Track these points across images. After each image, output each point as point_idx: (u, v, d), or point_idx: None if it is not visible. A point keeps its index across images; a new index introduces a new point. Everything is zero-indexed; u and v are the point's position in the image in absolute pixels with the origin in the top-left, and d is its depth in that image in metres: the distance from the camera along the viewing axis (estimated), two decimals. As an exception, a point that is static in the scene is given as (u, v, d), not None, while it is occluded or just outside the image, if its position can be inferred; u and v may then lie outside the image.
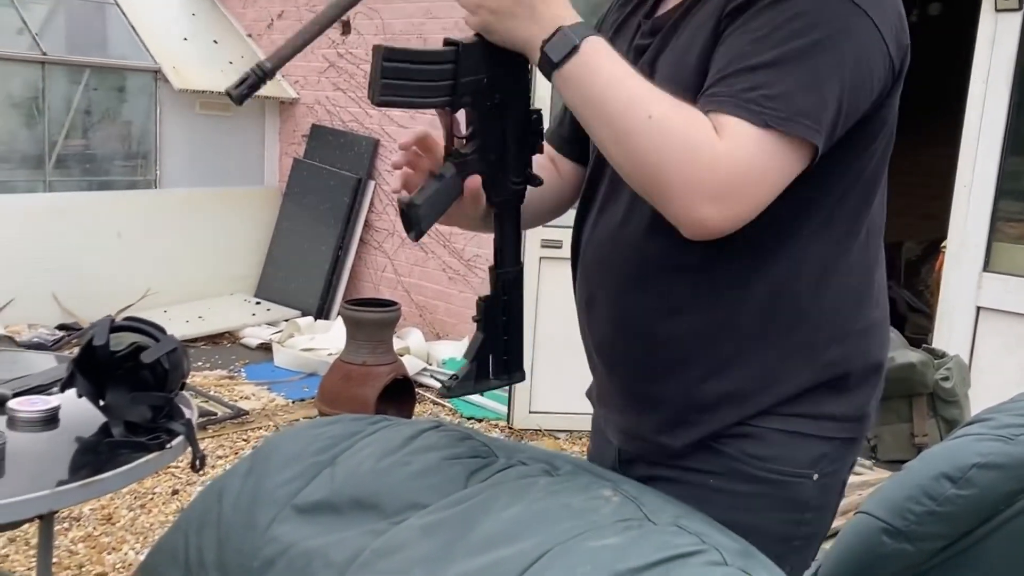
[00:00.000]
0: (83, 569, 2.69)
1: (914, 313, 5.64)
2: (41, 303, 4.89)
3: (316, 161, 5.66)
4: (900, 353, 2.48)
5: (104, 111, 5.51)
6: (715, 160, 0.92)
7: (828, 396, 1.11)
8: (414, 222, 1.04)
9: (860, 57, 0.98)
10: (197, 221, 5.53)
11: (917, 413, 2.48)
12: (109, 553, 2.79)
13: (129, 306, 4.92)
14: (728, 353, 1.09)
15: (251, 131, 6.01)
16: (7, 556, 2.68)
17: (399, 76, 1.01)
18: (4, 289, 4.75)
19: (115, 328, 1.51)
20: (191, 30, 5.91)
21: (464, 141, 1.08)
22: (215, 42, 5.95)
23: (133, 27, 5.55)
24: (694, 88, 1.01)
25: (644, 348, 1.14)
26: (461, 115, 1.09)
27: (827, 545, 2.07)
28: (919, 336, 4.74)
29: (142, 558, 2.71)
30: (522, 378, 1.19)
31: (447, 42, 1.05)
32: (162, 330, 1.52)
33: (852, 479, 2.48)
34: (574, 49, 0.98)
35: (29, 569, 2.57)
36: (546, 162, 1.29)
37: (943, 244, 3.37)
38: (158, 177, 5.64)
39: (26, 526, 2.76)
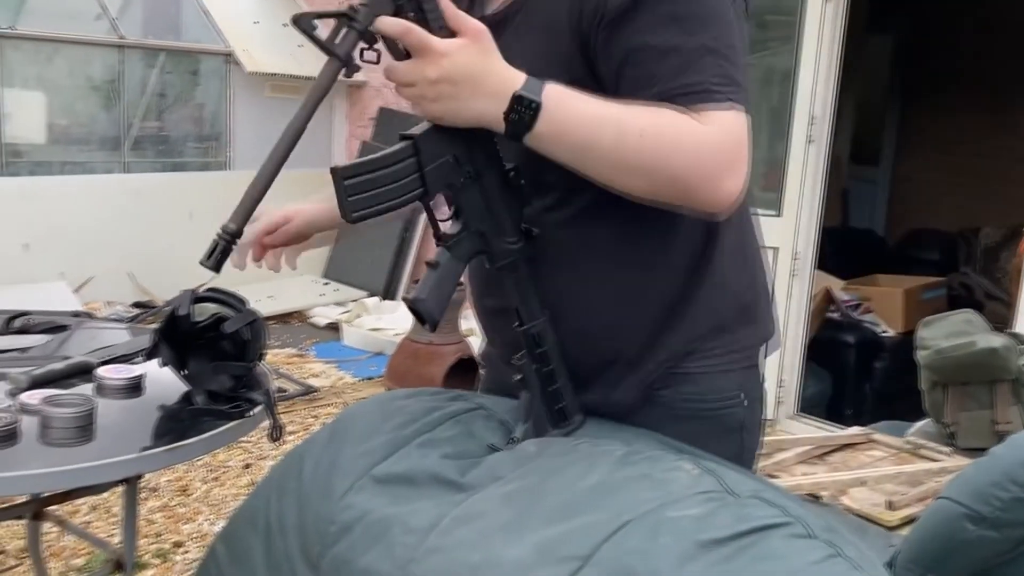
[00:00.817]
0: (160, 537, 2.77)
1: (991, 301, 5.47)
2: (118, 281, 5.03)
3: (383, 144, 5.68)
4: (982, 337, 2.41)
5: (178, 94, 5.63)
6: (716, 142, 0.99)
7: (740, 327, 1.20)
8: (425, 316, 1.06)
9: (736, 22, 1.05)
10: (267, 202, 5.60)
11: (1000, 400, 2.40)
12: (185, 523, 2.87)
13: (201, 285, 5.02)
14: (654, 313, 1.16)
15: (320, 114, 5.97)
16: (89, 523, 2.77)
17: (364, 189, 1.02)
18: (84, 268, 4.90)
19: (197, 299, 1.54)
20: (262, 13, 5.99)
21: (449, 223, 1.09)
22: (285, 25, 6.01)
23: (206, 11, 5.65)
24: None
25: (579, 324, 1.17)
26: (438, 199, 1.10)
27: (905, 531, 2.04)
28: (997, 324, 4.61)
29: (216, 528, 2.79)
30: (582, 421, 1.17)
31: (402, 137, 1.04)
32: (243, 301, 1.54)
33: (929, 466, 2.42)
34: (538, 109, 0.97)
35: (110, 536, 2.65)
36: None
37: (1025, 227, 3.27)
38: (230, 159, 5.74)
39: (107, 495, 2.85)
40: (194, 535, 2.80)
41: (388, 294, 5.50)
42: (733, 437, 1.19)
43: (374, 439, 1.21)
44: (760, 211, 3.72)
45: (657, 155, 0.98)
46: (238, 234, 0.98)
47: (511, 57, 1.04)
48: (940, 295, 5.07)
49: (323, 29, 1.03)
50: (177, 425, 1.47)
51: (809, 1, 3.75)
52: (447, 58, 0.98)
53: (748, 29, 1.09)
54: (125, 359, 1.69)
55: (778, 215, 3.89)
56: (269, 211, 1.39)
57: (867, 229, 6.43)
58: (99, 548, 2.18)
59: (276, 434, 1.53)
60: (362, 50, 1.00)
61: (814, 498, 2.16)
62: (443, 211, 1.12)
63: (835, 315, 4.66)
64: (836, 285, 4.80)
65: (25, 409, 1.42)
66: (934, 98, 6.30)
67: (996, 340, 2.41)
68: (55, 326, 1.89)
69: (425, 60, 0.98)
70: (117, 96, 5.27)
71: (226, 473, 3.23)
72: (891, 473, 2.32)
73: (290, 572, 1.17)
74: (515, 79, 0.99)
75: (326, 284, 5.74)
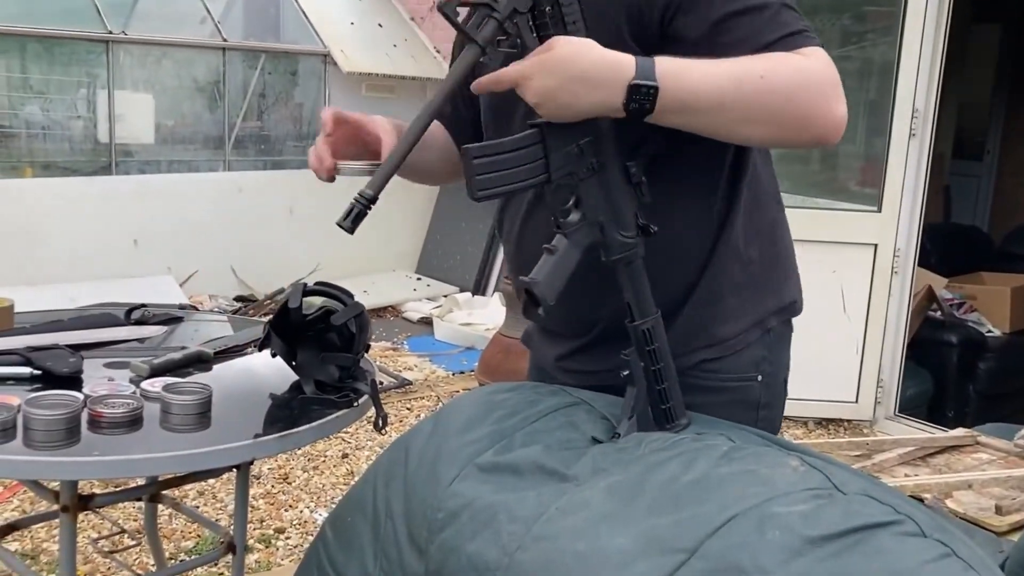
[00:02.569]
0: (263, 523, 2.87)
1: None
2: (220, 276, 5.21)
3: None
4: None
5: (278, 94, 5.79)
6: (823, 72, 1.06)
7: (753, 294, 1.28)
8: (539, 299, 1.07)
9: None
10: (313, 193, 5.73)
11: (1116, 402, 2.31)
12: (286, 510, 2.97)
13: (300, 280, 5.17)
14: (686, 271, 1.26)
15: (414, 112, 6.14)
16: (197, 507, 2.88)
17: (491, 170, 1.05)
18: (189, 262, 5.09)
19: (306, 292, 1.59)
20: (357, 14, 6.12)
21: (568, 211, 1.10)
22: (380, 25, 6.14)
23: (304, 12, 5.80)
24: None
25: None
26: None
27: (1015, 537, 1.98)
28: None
29: (316, 516, 2.88)
30: (687, 424, 1.19)
31: (531, 124, 1.08)
32: (350, 295, 1.59)
33: (1039, 470, 2.34)
34: (656, 91, 1.01)
35: (217, 520, 2.76)
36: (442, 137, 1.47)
37: None
38: (327, 157, 5.88)
39: (213, 481, 2.97)
40: (295, 522, 2.89)
41: (479, 289, 5.56)
42: (750, 414, 1.26)
43: (478, 429, 1.24)
44: (859, 207, 3.64)
45: (777, 98, 1.04)
46: (374, 200, 1.02)
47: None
48: (1050, 294, 4.86)
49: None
50: (287, 413, 1.53)
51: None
52: (551, 54, 1.02)
53: None
54: (238, 350, 1.76)
55: (878, 211, 3.80)
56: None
57: (971, 226, 6.21)
58: (211, 530, 2.27)
59: (381, 423, 1.57)
60: (499, 40, 1.04)
61: (918, 500, 2.11)
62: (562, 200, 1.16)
63: (937, 314, 4.52)
64: (938, 283, 4.65)
65: (146, 396, 1.49)
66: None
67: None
68: (169, 318, 1.98)
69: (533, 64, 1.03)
70: (220, 96, 5.45)
71: (325, 462, 3.32)
72: (1000, 477, 2.25)
73: (398, 557, 1.21)
74: (625, 65, 1.02)
75: (418, 279, 5.83)
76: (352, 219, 1.02)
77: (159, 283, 4.85)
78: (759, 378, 1.28)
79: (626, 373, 1.16)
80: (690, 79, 1.03)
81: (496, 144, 1.06)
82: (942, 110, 3.85)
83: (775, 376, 1.31)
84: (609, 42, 1.06)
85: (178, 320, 1.97)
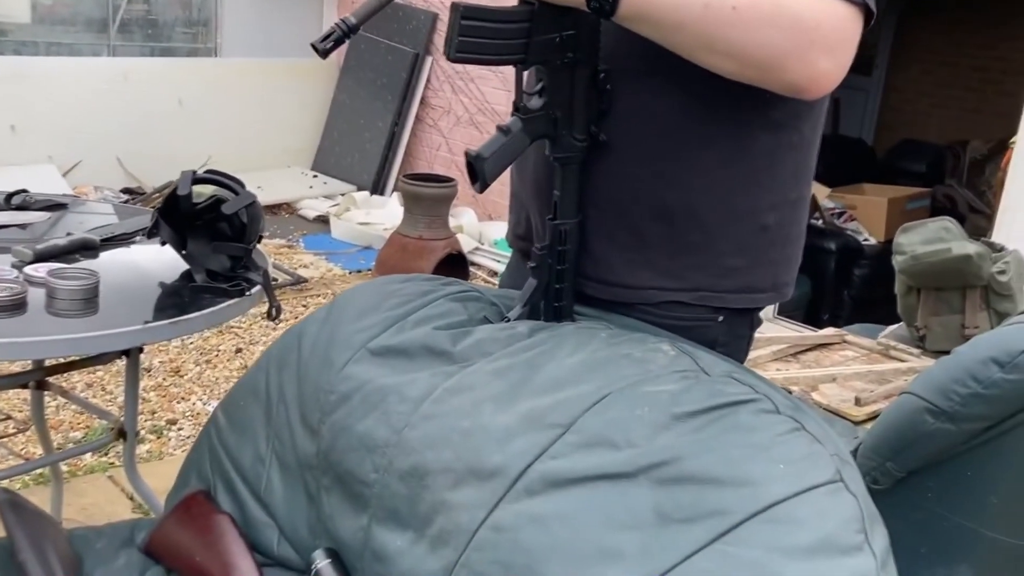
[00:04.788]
0: (155, 415, 2.86)
1: (974, 214, 5.55)
2: (106, 166, 5.02)
3: (374, 35, 5.62)
4: (957, 244, 2.47)
5: (166, -25, 5.50)
6: (816, 19, 0.98)
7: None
8: (480, 175, 1.08)
9: None
10: (256, 92, 5.56)
11: (970, 305, 2.49)
12: (179, 402, 2.96)
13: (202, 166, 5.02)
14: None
15: (311, 2, 5.97)
16: (87, 398, 2.85)
17: (475, 34, 1.04)
18: (71, 152, 4.87)
19: (196, 180, 1.57)
20: None
21: (532, 96, 1.11)
22: (276, -92, 5.84)
23: None
24: None
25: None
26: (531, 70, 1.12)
27: (869, 425, 2.14)
28: (976, 236, 4.69)
29: (208, 408, 2.89)
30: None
31: (523, 1, 1.07)
32: (241, 184, 1.58)
33: (898, 365, 2.52)
34: None
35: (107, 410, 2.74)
36: None
37: (1012, 140, 3.30)
38: (218, 45, 5.65)
39: (101, 372, 2.93)
40: (187, 413, 2.89)
41: (377, 189, 5.51)
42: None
43: (371, 316, 1.27)
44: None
45: (747, 29, 0.98)
46: (355, 28, 1.00)
47: None
48: (924, 206, 5.13)
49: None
50: (178, 301, 1.53)
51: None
52: None
53: None
54: (126, 238, 1.73)
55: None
56: None
57: (857, 139, 6.45)
58: (101, 417, 2.26)
59: (274, 313, 1.59)
60: None
61: (786, 392, 2.25)
62: (529, 85, 1.13)
63: (818, 222, 4.72)
64: (821, 192, 4.85)
65: (31, 281, 1.47)
66: (930, 10, 6.23)
67: (970, 247, 2.48)
68: (52, 204, 1.92)
69: None
70: (104, -25, 5.15)
71: (218, 356, 3.31)
72: (861, 371, 2.42)
73: (290, 438, 1.24)
74: None
75: (315, 177, 5.73)
76: (330, 42, 0.99)
77: (40, 172, 4.64)
78: (719, 318, 1.21)
79: (533, 265, 1.19)
80: None
81: (487, 10, 1.06)
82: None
83: (741, 313, 1.24)
84: None
85: (62, 207, 1.92)
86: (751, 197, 1.17)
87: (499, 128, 1.11)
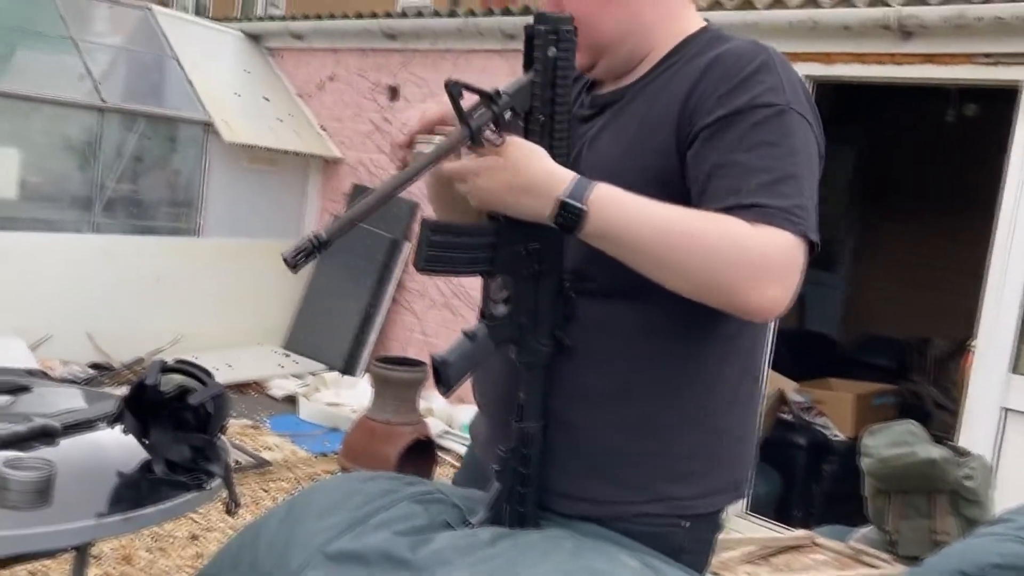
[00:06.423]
0: (100, 606, 2.72)
1: (940, 411, 5.60)
2: (76, 341, 4.99)
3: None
4: (922, 448, 2.49)
5: (155, 159, 5.69)
6: (765, 251, 1.04)
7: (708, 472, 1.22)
8: (444, 379, 1.12)
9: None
10: (233, 270, 5.64)
11: (938, 510, 2.48)
12: (126, 593, 2.82)
13: (160, 350, 5.00)
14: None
15: (294, 186, 6.17)
16: (27, 588, 2.71)
17: (443, 247, 1.11)
18: (42, 325, 4.86)
19: (166, 369, 1.57)
20: (244, 86, 6.11)
21: (498, 304, 1.16)
22: (266, 99, 6.14)
23: (189, 80, 5.76)
24: (633, 165, 1.14)
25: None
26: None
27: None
28: (943, 434, 4.71)
29: (159, 599, 2.74)
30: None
31: (491, 216, 1.14)
32: (209, 375, 1.58)
33: (869, 572, 2.47)
34: (582, 213, 1.06)
35: (48, 602, 2.60)
36: None
37: (971, 343, 3.39)
38: (200, 225, 5.78)
39: (49, 560, 2.80)
40: (134, 606, 2.75)
41: (348, 369, 5.51)
42: (673, 557, 1.19)
43: (332, 516, 1.24)
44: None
45: (700, 257, 1.04)
46: (326, 245, 1.00)
47: (601, 137, 1.19)
48: (890, 402, 5.18)
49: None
50: (134, 493, 1.49)
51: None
52: (501, 159, 1.07)
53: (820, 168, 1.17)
54: (88, 424, 1.70)
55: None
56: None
57: (822, 333, 6.58)
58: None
59: (232, 508, 1.55)
60: (488, 129, 1.08)
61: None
62: (494, 293, 1.17)
63: (788, 416, 4.75)
64: (790, 387, 4.90)
65: (-16, 470, 1.43)
66: (892, 208, 6.53)
67: (935, 451, 2.49)
68: (16, 387, 1.90)
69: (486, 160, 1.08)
70: (94, 157, 5.31)
71: (172, 544, 3.19)
72: (833, 577, 2.37)
73: (239, 646, 1.18)
74: (560, 180, 1.07)
75: (286, 356, 5.73)
76: (301, 258, 1.00)
77: (7, 345, 4.60)
78: (684, 523, 1.21)
79: (497, 469, 1.19)
80: (618, 213, 1.06)
81: (454, 227, 1.12)
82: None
83: (706, 518, 1.24)
84: (655, 152, 1.13)
85: (25, 389, 1.89)
86: (705, 402, 1.20)
87: (464, 333, 1.14)
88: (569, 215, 1.06)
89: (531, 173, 1.08)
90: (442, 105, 1.15)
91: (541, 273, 1.15)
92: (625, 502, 1.18)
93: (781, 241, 1.05)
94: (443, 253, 1.10)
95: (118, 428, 1.58)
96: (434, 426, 4.50)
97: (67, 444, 1.65)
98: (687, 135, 1.13)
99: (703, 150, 1.11)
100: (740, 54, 1.14)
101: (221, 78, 6.02)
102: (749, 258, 1.03)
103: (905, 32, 3.69)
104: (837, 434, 4.77)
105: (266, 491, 3.77)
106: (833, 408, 4.91)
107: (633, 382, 1.17)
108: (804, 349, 5.64)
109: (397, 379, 4.00)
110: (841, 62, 3.93)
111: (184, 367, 1.57)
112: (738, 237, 1.04)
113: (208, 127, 5.68)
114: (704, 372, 1.19)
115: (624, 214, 1.06)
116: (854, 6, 3.81)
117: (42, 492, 1.39)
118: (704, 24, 1.27)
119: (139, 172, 5.62)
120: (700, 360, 1.19)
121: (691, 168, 1.12)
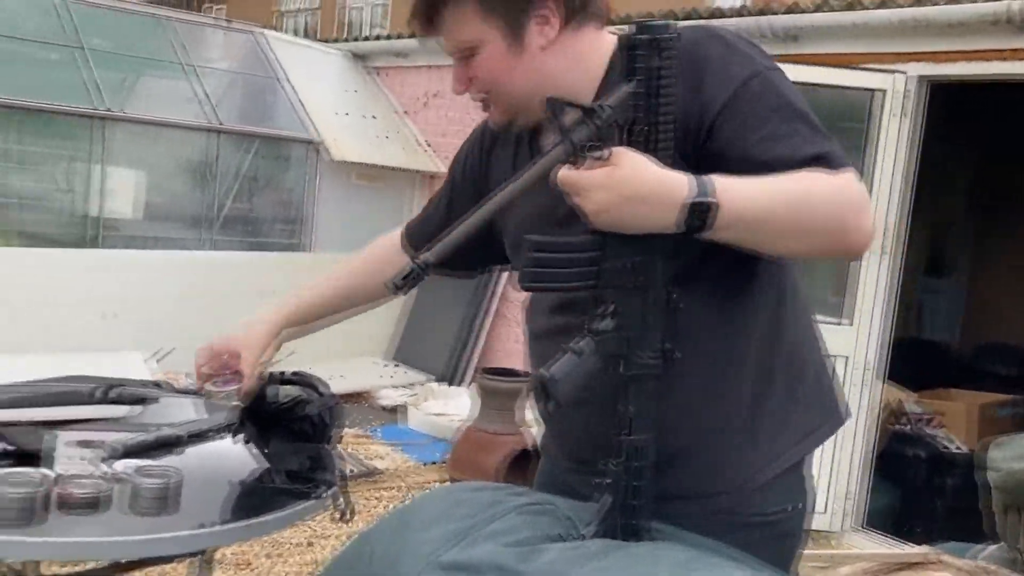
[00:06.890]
0: (222, 611, 2.82)
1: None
2: (193, 353, 5.19)
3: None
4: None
5: (267, 178, 5.89)
6: (854, 190, 1.13)
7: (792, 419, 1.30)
8: (553, 395, 1.08)
9: None
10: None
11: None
12: (246, 598, 2.92)
13: (274, 362, 5.16)
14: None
15: (400, 201, 6.30)
16: (154, 590, 2.83)
17: (546, 265, 1.10)
18: (167, 338, 5.08)
19: (283, 381, 1.62)
20: (350, 105, 6.28)
21: (604, 318, 1.13)
22: (373, 117, 6.30)
23: (301, 101, 5.95)
24: None
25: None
26: None
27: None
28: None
29: (277, 604, 2.83)
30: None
31: (594, 232, 1.11)
32: (326, 385, 1.62)
33: (998, 591, 2.35)
34: (714, 209, 1.05)
35: (173, 605, 2.71)
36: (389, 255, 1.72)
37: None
38: (312, 241, 5.96)
39: (175, 563, 2.92)
40: (253, 610, 2.85)
41: (452, 379, 5.58)
42: (781, 543, 1.26)
43: (440, 526, 1.25)
44: (831, 319, 3.69)
45: (824, 210, 1.10)
46: (431, 268, 1.05)
47: None
48: (1012, 413, 4.94)
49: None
50: (253, 501, 1.54)
51: (884, 111, 3.80)
52: (614, 170, 1.06)
53: None
54: (209, 434, 1.77)
55: (849, 324, 3.88)
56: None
57: (940, 341, 6.33)
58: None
59: (347, 516, 1.59)
60: (590, 146, 1.07)
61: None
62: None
63: (905, 428, 4.57)
64: (907, 397, 4.72)
65: (116, 477, 1.50)
66: (1012, 213, 6.24)
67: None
68: (143, 398, 1.99)
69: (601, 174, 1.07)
70: (211, 177, 5.54)
71: (288, 550, 3.28)
72: (959, 597, 2.27)
73: (355, 653, 1.21)
74: (680, 185, 1.05)
75: (395, 366, 5.84)
76: (409, 283, 1.04)
77: (125, 359, 4.82)
78: (799, 505, 1.28)
79: (608, 481, 1.18)
80: (744, 195, 1.06)
81: (557, 243, 1.10)
82: (916, 227, 3.97)
83: (806, 497, 1.31)
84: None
85: (153, 400, 1.98)
86: (781, 354, 1.29)
87: (571, 349, 1.12)
88: (700, 214, 1.05)
89: (645, 182, 1.06)
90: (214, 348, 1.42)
91: (647, 286, 1.14)
92: (751, 475, 1.24)
93: (852, 177, 1.12)
94: (547, 270, 1.10)
95: (238, 437, 1.65)
96: (536, 435, 4.51)
97: (190, 453, 1.72)
98: (697, 131, 1.16)
99: (728, 151, 1.14)
100: (692, 51, 1.17)
101: (328, 98, 6.20)
102: (850, 200, 1.11)
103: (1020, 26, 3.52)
104: (960, 446, 4.57)
105: (377, 499, 3.85)
106: (954, 419, 4.71)
107: (727, 373, 1.24)
108: (920, 358, 5.43)
109: (505, 390, 4.04)
110: (950, 60, 3.78)
111: (299, 378, 1.62)
112: (833, 184, 1.10)
113: (318, 146, 5.85)
114: (773, 329, 1.27)
115: (746, 194, 1.07)
116: (961, 2, 3.66)
117: (170, 499, 1.45)
118: (613, 37, 1.26)
119: (252, 191, 5.84)
120: (762, 319, 1.26)
121: (719, 160, 1.14)
